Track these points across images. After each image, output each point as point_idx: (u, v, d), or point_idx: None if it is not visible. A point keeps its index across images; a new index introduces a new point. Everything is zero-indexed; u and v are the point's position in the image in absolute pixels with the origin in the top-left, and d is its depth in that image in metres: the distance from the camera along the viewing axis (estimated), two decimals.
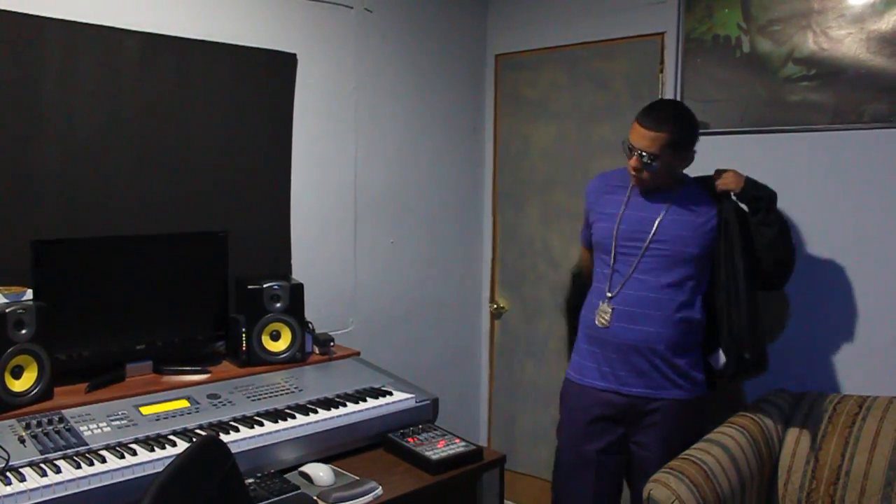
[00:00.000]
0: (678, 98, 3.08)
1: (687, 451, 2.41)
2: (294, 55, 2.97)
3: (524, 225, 3.71)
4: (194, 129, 2.71)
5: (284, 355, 2.61)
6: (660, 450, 2.49)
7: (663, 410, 2.50)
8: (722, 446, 2.44)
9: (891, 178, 2.61)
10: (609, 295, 2.52)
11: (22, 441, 1.90)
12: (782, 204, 2.84)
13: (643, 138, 2.42)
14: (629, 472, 2.62)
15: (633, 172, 2.48)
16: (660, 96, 3.14)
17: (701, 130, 2.99)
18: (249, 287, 2.58)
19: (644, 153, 2.41)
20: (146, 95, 2.59)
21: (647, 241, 2.48)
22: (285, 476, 2.06)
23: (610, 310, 2.50)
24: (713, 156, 2.98)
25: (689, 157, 2.51)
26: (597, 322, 2.53)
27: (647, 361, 2.47)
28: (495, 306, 3.84)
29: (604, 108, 3.37)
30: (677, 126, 2.44)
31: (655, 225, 2.48)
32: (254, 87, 2.86)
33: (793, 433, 2.59)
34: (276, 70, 2.93)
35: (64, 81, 2.40)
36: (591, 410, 2.56)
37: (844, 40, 2.68)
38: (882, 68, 2.60)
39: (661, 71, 3.15)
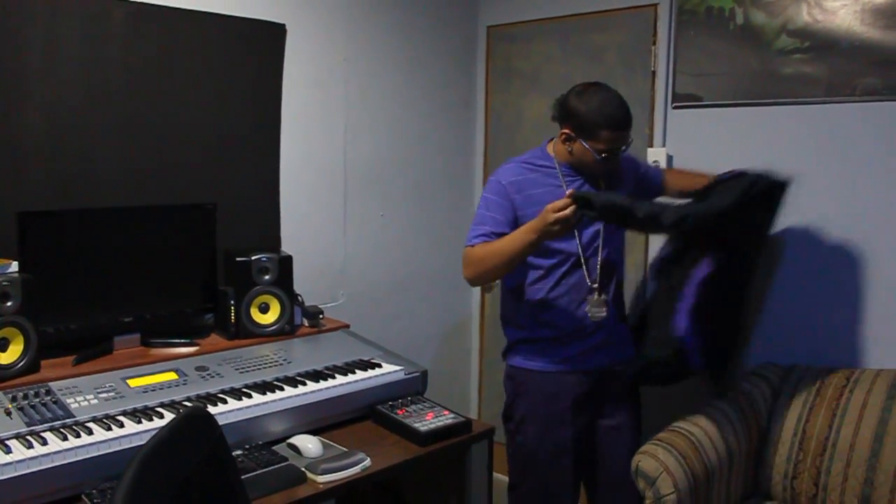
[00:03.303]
0: (671, 71, 3.06)
1: (675, 423, 2.42)
2: (283, 26, 2.93)
3: None
4: (182, 100, 2.68)
5: (273, 328, 2.60)
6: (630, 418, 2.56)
7: (625, 376, 2.52)
8: (710, 418, 2.45)
9: (883, 151, 2.60)
10: (596, 286, 2.43)
11: (8, 413, 1.89)
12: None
13: (626, 136, 2.33)
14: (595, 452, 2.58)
15: (606, 172, 2.42)
16: (652, 69, 3.12)
17: (695, 104, 3.01)
18: (238, 259, 2.57)
19: (622, 149, 2.35)
20: (132, 66, 2.55)
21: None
22: (273, 448, 2.06)
23: (604, 300, 2.43)
24: (707, 129, 2.98)
25: None
26: (592, 319, 2.42)
27: (611, 333, 2.50)
28: None
29: (596, 80, 3.33)
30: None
31: None
32: (242, 57, 2.83)
33: (781, 405, 2.60)
34: (265, 41, 2.90)
35: (49, 51, 2.37)
36: (563, 396, 2.48)
37: (839, 12, 2.65)
38: (876, 41, 2.58)
39: (654, 43, 3.12)
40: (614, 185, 2.48)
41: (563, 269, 2.43)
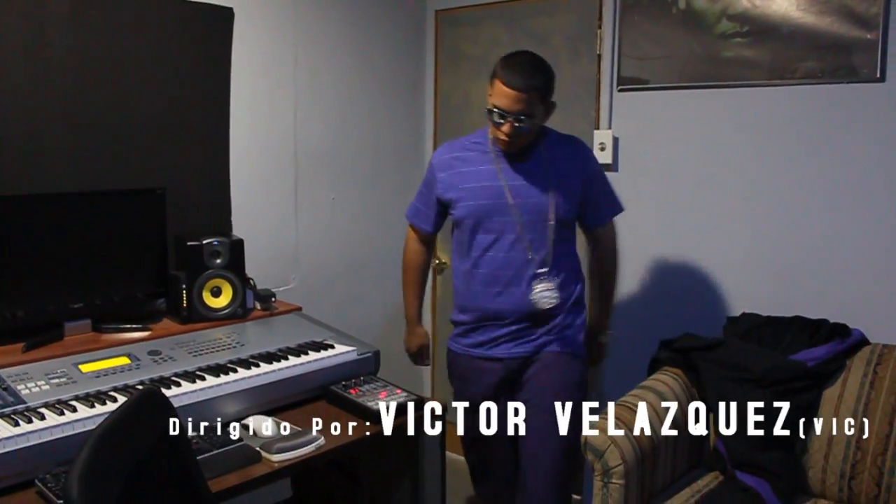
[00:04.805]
0: (616, 55, 3.11)
1: (623, 398, 2.49)
2: (231, 9, 2.91)
3: None
4: (129, 85, 2.65)
5: (225, 311, 2.61)
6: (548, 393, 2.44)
7: (542, 360, 2.47)
8: (656, 392, 2.52)
9: (822, 132, 2.68)
10: (542, 272, 2.38)
11: None
12: (721, 159, 2.91)
13: (517, 101, 2.19)
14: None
15: (506, 139, 2.28)
16: (598, 52, 3.17)
17: (640, 87, 3.06)
18: (189, 243, 2.57)
19: (520, 116, 2.22)
20: (77, 51, 2.51)
21: (550, 213, 2.37)
22: (228, 429, 2.07)
23: (552, 285, 2.38)
24: (651, 111, 3.04)
25: (553, 105, 2.34)
26: (542, 306, 2.37)
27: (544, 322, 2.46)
28: (437, 261, 3.87)
29: None
30: (545, 77, 2.26)
31: (549, 198, 2.37)
32: (190, 42, 2.81)
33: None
34: (213, 25, 2.87)
35: None
36: (480, 379, 2.50)
37: None
38: (811, 26, 2.66)
39: (600, 27, 3.18)
40: (524, 159, 2.38)
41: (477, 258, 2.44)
